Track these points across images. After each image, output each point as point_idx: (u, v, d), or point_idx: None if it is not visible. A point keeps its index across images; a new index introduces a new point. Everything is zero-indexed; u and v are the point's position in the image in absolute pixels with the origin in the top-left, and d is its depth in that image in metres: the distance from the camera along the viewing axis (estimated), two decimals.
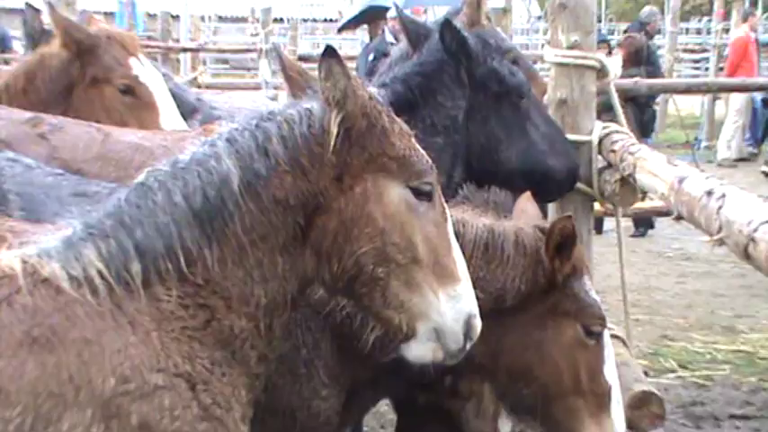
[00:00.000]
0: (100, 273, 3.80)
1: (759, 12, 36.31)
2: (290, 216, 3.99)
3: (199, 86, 19.81)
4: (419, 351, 4.12)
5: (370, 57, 14.95)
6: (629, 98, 10.94)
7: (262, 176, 3.96)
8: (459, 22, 6.93)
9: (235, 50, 35.60)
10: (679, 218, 5.18)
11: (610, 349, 5.04)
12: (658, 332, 12.38)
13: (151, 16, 39.01)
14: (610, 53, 20.98)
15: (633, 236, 15.92)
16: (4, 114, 6.48)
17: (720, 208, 4.38)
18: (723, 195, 4.46)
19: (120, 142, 6.26)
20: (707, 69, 36.12)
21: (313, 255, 4.06)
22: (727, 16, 37.42)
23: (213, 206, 3.92)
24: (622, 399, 5.18)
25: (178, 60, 28.36)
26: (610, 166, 6.21)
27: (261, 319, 3.99)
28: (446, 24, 6.04)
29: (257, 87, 21.70)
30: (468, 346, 4.15)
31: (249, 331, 3.96)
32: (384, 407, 7.62)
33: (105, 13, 35.93)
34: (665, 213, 6.53)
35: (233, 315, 3.93)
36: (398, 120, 4.21)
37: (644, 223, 16.49)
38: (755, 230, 3.89)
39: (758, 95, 28.30)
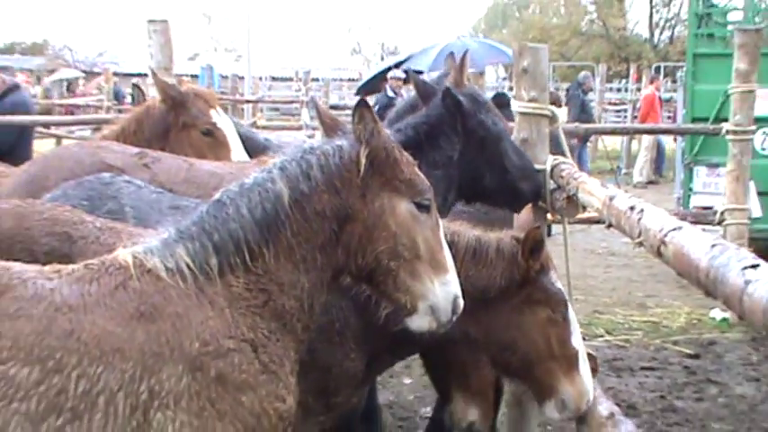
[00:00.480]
0: (188, 265, 3.85)
1: (661, 76, 36.35)
2: (326, 224, 4.04)
3: (257, 128, 19.86)
4: (419, 322, 4.15)
5: (376, 107, 14.98)
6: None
7: (305, 194, 4.01)
8: (449, 82, 6.98)
9: (283, 102, 35.75)
10: (609, 226, 5.19)
11: (575, 323, 5.11)
12: (591, 308, 12.40)
13: (224, 77, 39.02)
14: (560, 106, 20.90)
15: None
16: (119, 149, 6.56)
17: (640, 219, 4.40)
18: (642, 210, 4.48)
19: (200, 170, 6.35)
20: (625, 117, 36.11)
21: (343, 252, 4.10)
22: (639, 79, 37.50)
23: (270, 216, 3.97)
24: None
25: (243, 109, 28.45)
26: (559, 187, 6.24)
27: (305, 300, 4.03)
28: (447, 90, 6.15)
29: (299, 128, 21.78)
30: (453, 318, 4.19)
31: (296, 309, 3.99)
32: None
33: (192, 76, 36.02)
34: (599, 222, 6.53)
35: (284, 297, 3.97)
36: (406, 153, 4.25)
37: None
38: (665, 236, 3.90)
39: (662, 137, 28.47)
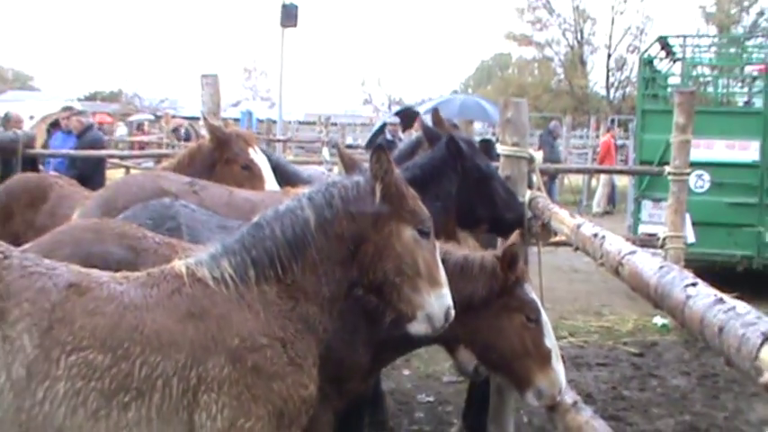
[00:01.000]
0: (230, 275, 3.87)
1: (616, 127, 36.37)
2: (344, 244, 4.05)
3: None
4: (417, 328, 4.15)
5: None
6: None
7: (328, 220, 4.03)
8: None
9: (308, 141, 35.71)
10: (576, 249, 5.20)
11: (548, 327, 5.09)
12: (557, 315, 12.33)
13: (260, 121, 39.14)
14: (538, 149, 20.93)
15: None
16: (174, 178, 6.58)
17: (602, 244, 4.41)
18: (603, 236, 4.50)
19: (238, 197, 6.36)
20: (586, 159, 36.06)
21: (357, 268, 4.10)
22: (598, 129, 37.52)
23: (298, 237, 3.98)
24: None
25: (275, 147, 28.43)
26: (535, 216, 6.24)
27: (325, 306, 4.03)
28: (451, 138, 6.22)
29: (320, 163, 21.77)
30: (446, 325, 4.20)
31: (318, 313, 3.99)
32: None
33: (234, 119, 36.05)
34: (565, 245, 6.52)
35: (309, 303, 3.97)
36: (411, 189, 4.27)
37: None
38: (622, 258, 3.91)
39: (616, 176, 28.47)
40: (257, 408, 3.73)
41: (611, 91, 63.75)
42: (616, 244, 4.22)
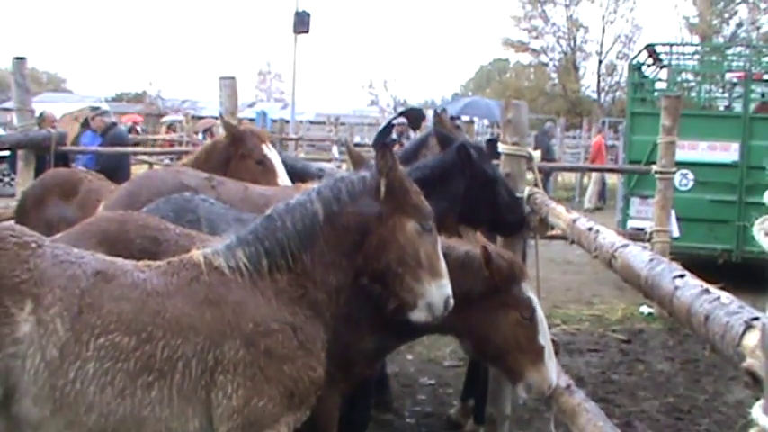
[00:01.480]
0: (245, 265, 3.88)
1: (606, 128, 36.27)
2: (350, 236, 4.06)
3: None
4: (418, 315, 4.17)
5: None
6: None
7: (336, 213, 4.04)
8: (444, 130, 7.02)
9: (318, 140, 35.78)
10: (572, 242, 5.17)
11: (543, 324, 5.05)
12: (551, 304, 12.32)
13: (274, 121, 39.06)
14: (535, 149, 20.94)
15: None
16: (193, 173, 6.56)
17: (596, 237, 4.39)
18: (597, 230, 4.47)
19: (253, 192, 6.34)
20: (579, 159, 35.98)
21: (362, 258, 4.11)
22: (590, 130, 37.46)
23: (308, 229, 3.99)
24: None
25: (287, 145, 28.43)
26: (533, 211, 6.22)
27: (333, 294, 4.04)
28: (462, 145, 6.23)
29: (330, 161, 21.81)
30: (445, 313, 4.21)
31: (326, 300, 4.01)
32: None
33: (249, 119, 36.10)
34: (560, 238, 6.53)
35: (317, 291, 3.98)
36: (415, 185, 4.28)
37: None
38: (615, 251, 3.90)
39: (606, 174, 28.43)
40: (269, 388, 3.75)
41: (602, 95, 63.70)
42: (609, 238, 4.20)
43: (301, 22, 34.99)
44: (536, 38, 65.28)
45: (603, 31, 63.71)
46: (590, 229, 4.66)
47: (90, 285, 3.63)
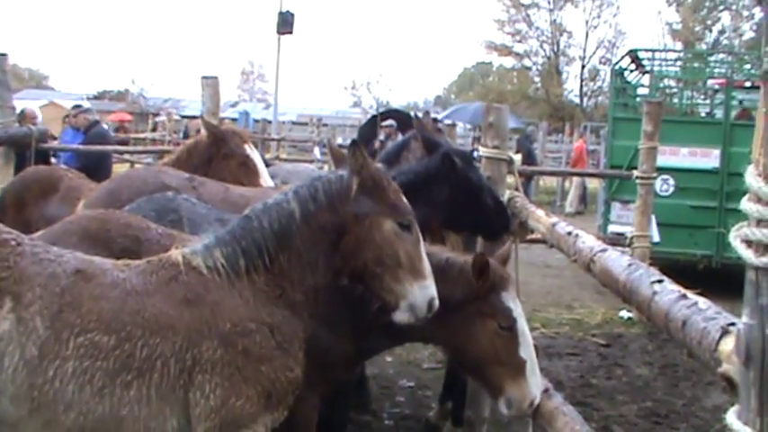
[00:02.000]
0: (222, 265, 3.87)
1: (588, 133, 36.39)
2: (327, 235, 4.03)
3: (280, 160, 19.86)
4: (400, 317, 4.11)
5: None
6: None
7: (312, 213, 4.01)
8: (426, 132, 7.01)
9: (300, 141, 35.62)
10: (551, 246, 5.18)
11: (526, 337, 4.85)
12: (530, 307, 12.32)
13: (256, 121, 38.99)
14: (516, 153, 20.97)
15: None
16: (174, 173, 6.56)
17: (575, 242, 4.40)
18: (577, 235, 4.50)
19: (234, 193, 6.33)
20: (561, 163, 36.04)
21: (340, 258, 4.07)
22: (572, 134, 37.53)
23: (284, 229, 3.97)
24: None
25: (270, 145, 28.36)
26: (513, 215, 6.23)
27: (310, 294, 4.02)
28: (447, 155, 6.18)
29: (311, 161, 21.77)
30: (429, 315, 4.15)
31: (303, 300, 3.99)
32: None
33: (232, 119, 35.98)
34: (540, 242, 6.56)
35: (295, 291, 3.96)
36: (394, 183, 4.25)
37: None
38: (594, 255, 3.92)
39: (587, 179, 28.53)
40: (247, 388, 3.74)
41: (585, 99, 63.94)
42: (588, 242, 4.22)
43: (285, 23, 34.83)
44: (519, 41, 65.56)
45: (587, 36, 64.09)
46: (569, 233, 4.68)
47: (70, 284, 3.62)
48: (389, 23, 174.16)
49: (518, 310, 4.87)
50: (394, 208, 4.10)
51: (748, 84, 17.06)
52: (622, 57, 18.03)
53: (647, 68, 18.10)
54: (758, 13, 52.08)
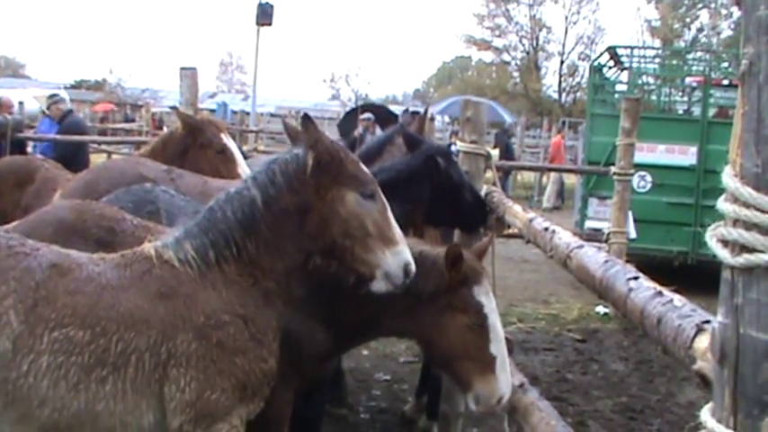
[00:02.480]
0: (193, 257, 3.84)
1: (566, 128, 36.51)
2: (291, 217, 3.97)
3: (258, 152, 19.81)
4: (377, 286, 4.06)
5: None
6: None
7: (272, 197, 3.97)
8: (413, 131, 7.00)
9: (279, 133, 35.54)
10: (528, 241, 5.17)
11: (497, 333, 4.74)
12: (507, 302, 12.37)
13: (235, 112, 38.87)
14: (494, 147, 21.05)
15: None
16: (152, 165, 6.53)
17: (552, 238, 4.41)
18: (554, 230, 4.50)
19: (212, 186, 6.28)
20: (539, 158, 36.12)
21: (307, 238, 4.01)
22: (550, 130, 37.65)
23: (248, 217, 3.93)
24: None
25: (248, 137, 28.33)
26: (490, 210, 6.23)
27: (282, 280, 3.98)
28: (430, 155, 6.16)
29: None
30: (407, 281, 4.09)
31: (275, 288, 3.95)
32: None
33: (210, 110, 35.85)
34: (517, 237, 6.58)
35: (266, 279, 3.93)
36: (352, 154, 4.21)
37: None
38: (571, 252, 3.94)
39: (565, 175, 28.61)
40: (222, 381, 3.73)
41: (563, 95, 64.21)
42: (565, 238, 4.23)
43: (264, 14, 34.77)
44: (499, 36, 65.75)
45: (566, 32, 64.33)
46: (546, 229, 4.68)
47: (45, 278, 3.59)
48: (369, 16, 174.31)
49: (491, 306, 4.79)
50: (354, 179, 4.03)
51: (726, 82, 17.17)
52: (601, 53, 18.15)
53: (626, 65, 18.17)
54: (736, 11, 52.37)
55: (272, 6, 34.92)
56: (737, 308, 1.88)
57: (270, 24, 35.38)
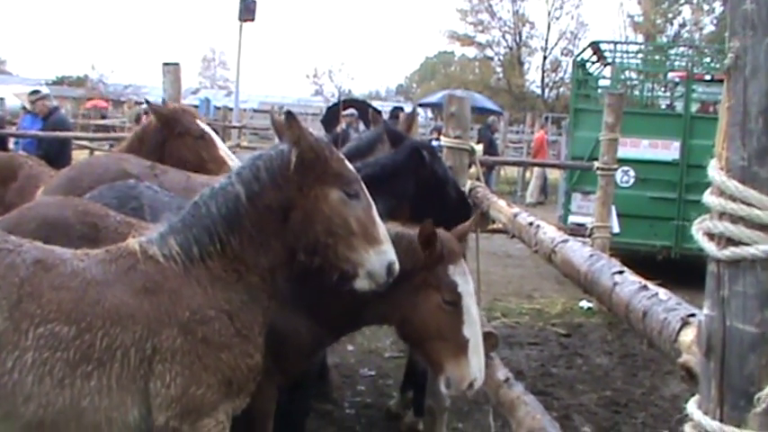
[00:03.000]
0: (177, 253, 3.84)
1: (549, 124, 36.62)
2: (275, 213, 3.97)
3: (241, 148, 19.78)
4: (360, 284, 4.07)
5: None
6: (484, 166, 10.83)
7: (256, 192, 3.96)
8: (400, 128, 7.01)
9: (261, 128, 35.57)
10: (513, 236, 5.18)
11: (471, 315, 4.71)
12: (491, 297, 12.42)
13: (217, 108, 38.80)
14: (478, 143, 21.06)
15: None
16: (135, 161, 6.49)
17: (536, 232, 4.42)
18: (538, 225, 4.51)
19: (196, 182, 6.24)
20: (522, 153, 36.17)
21: (291, 234, 4.00)
22: (533, 125, 37.70)
23: (232, 213, 3.93)
24: None
25: (231, 133, 28.24)
26: (475, 205, 6.24)
27: (267, 275, 3.98)
28: (415, 149, 6.18)
29: None
30: (390, 280, 4.10)
31: (261, 283, 3.95)
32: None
33: (193, 106, 35.66)
34: (501, 232, 6.59)
35: (251, 274, 3.93)
36: (336, 151, 4.18)
37: None
38: (555, 246, 3.94)
39: (548, 170, 28.69)
40: (207, 376, 3.73)
41: (546, 90, 64.24)
42: (549, 233, 4.24)
43: (247, 10, 34.61)
44: (482, 32, 65.72)
45: (549, 27, 64.39)
46: (530, 223, 4.69)
47: (30, 274, 3.58)
48: (352, 12, 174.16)
49: (466, 288, 4.77)
50: (338, 177, 4.02)
51: (708, 77, 17.24)
52: (584, 48, 18.17)
53: (609, 60, 18.24)
54: (719, 7, 52.65)
55: (254, 2, 34.78)
56: (724, 300, 1.88)
57: (253, 20, 35.22)
